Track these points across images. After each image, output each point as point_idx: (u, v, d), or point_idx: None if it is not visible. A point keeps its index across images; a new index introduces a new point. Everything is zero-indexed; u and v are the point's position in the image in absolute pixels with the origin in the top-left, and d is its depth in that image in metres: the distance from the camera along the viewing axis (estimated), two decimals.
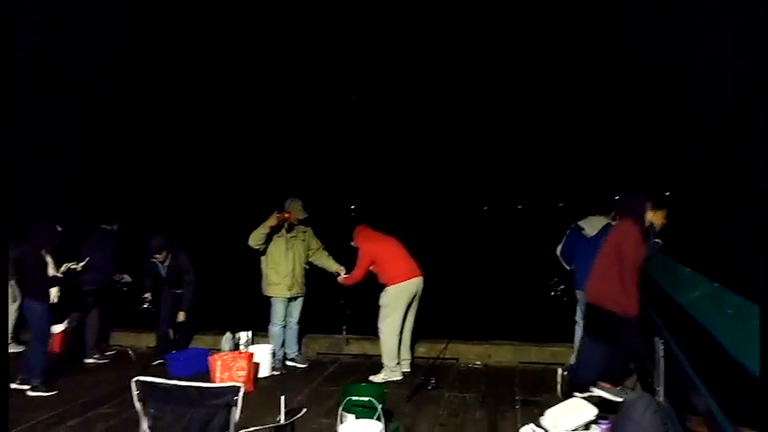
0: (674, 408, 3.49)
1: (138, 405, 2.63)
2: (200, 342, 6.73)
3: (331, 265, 6.19)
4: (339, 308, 6.49)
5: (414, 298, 5.61)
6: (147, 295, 6.40)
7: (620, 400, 3.86)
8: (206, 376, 5.39)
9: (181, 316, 6.38)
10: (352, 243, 5.83)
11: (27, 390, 5.24)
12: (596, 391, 4.13)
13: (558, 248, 5.56)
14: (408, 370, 5.68)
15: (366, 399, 3.69)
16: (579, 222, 5.41)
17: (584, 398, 4.38)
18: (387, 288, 5.58)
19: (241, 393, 2.51)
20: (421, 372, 5.58)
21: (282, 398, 3.07)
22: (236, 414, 2.52)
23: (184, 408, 2.57)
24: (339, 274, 6.10)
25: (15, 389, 5.21)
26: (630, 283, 4.06)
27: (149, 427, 2.63)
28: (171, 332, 6.47)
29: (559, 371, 4.95)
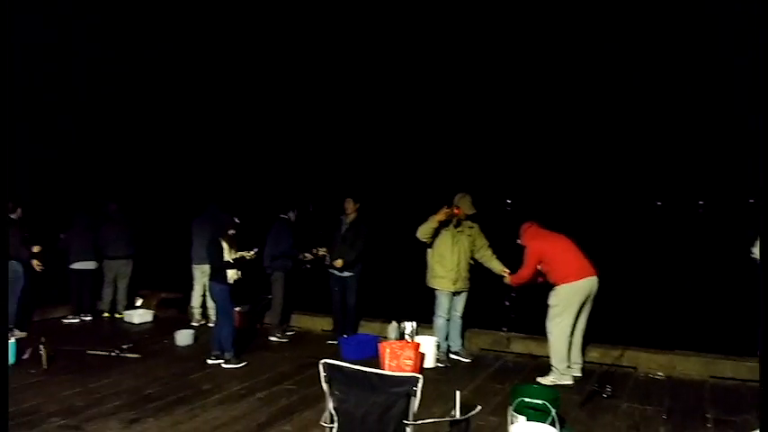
0: None
1: (324, 386, 2.79)
2: (367, 328, 7.05)
3: (495, 265, 6.09)
4: (504, 304, 6.37)
5: (587, 299, 5.29)
6: (316, 251, 6.89)
7: None
8: (374, 362, 5.61)
9: (338, 263, 6.61)
10: (519, 241, 5.65)
11: (222, 363, 5.88)
12: None
13: (756, 249, 4.76)
14: (579, 375, 5.38)
15: (539, 401, 3.56)
16: None
17: None
18: (557, 287, 5.32)
19: (420, 384, 2.55)
20: (594, 378, 5.26)
21: (458, 392, 3.07)
22: (416, 404, 2.57)
23: (367, 393, 2.68)
24: (504, 276, 5.99)
25: (212, 363, 5.89)
26: None
27: (334, 408, 2.78)
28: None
29: None
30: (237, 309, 7.69)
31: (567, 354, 5.28)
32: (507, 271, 5.95)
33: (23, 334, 6.69)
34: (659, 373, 5.55)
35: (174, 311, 8.36)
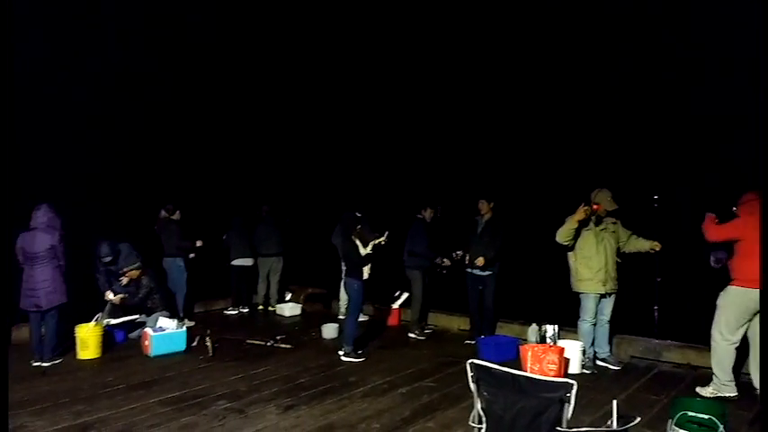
0: None
1: (472, 386, 2.80)
2: (506, 330, 6.94)
3: (643, 244, 5.70)
4: (657, 309, 5.94)
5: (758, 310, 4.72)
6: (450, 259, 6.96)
7: None
8: (514, 364, 5.49)
9: (480, 261, 6.52)
10: (734, 208, 4.95)
11: (342, 356, 6.11)
12: None
13: None
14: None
15: (705, 416, 3.27)
16: None
17: None
18: (728, 286, 4.81)
19: (575, 390, 2.47)
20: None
21: (615, 401, 2.91)
22: (569, 411, 2.49)
23: (516, 396, 2.64)
24: (654, 250, 5.63)
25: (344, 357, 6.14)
26: None
27: (482, 409, 2.78)
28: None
29: None
30: (376, 305, 7.99)
31: (730, 363, 4.78)
32: (657, 245, 5.58)
33: (192, 323, 7.49)
34: None
35: (319, 306, 8.87)
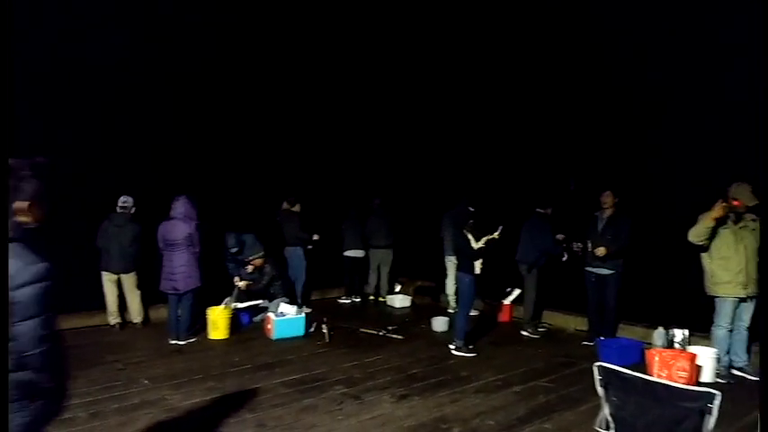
0: None
1: (599, 390, 2.70)
2: (627, 332, 6.57)
3: None
4: None
5: None
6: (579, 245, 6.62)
7: None
8: (637, 368, 5.19)
9: (600, 251, 6.23)
10: None
11: (452, 349, 6.11)
12: None
13: None
14: None
15: None
16: None
17: None
18: None
19: (718, 401, 2.30)
20: None
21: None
22: (711, 423, 2.32)
23: (650, 403, 2.51)
24: None
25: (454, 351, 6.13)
26: None
27: (611, 414, 2.67)
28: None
29: None
30: (486, 301, 7.89)
31: None
32: None
33: (310, 310, 7.84)
34: None
35: (428, 299, 8.92)
